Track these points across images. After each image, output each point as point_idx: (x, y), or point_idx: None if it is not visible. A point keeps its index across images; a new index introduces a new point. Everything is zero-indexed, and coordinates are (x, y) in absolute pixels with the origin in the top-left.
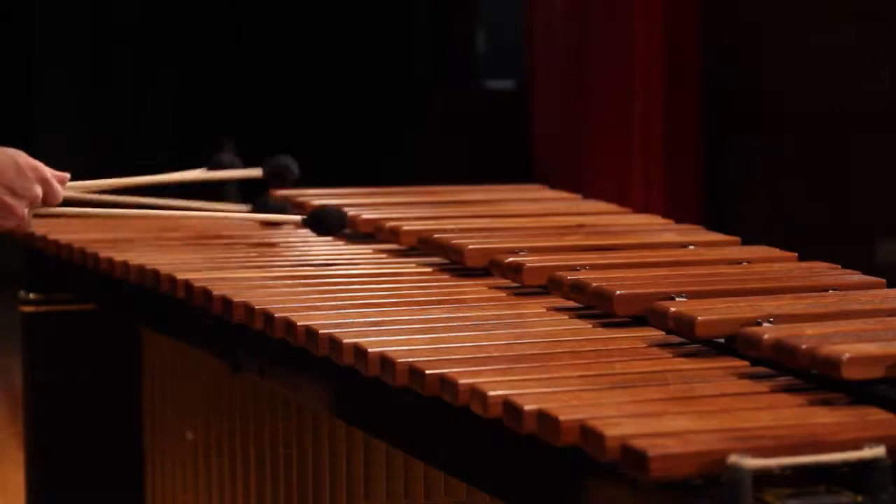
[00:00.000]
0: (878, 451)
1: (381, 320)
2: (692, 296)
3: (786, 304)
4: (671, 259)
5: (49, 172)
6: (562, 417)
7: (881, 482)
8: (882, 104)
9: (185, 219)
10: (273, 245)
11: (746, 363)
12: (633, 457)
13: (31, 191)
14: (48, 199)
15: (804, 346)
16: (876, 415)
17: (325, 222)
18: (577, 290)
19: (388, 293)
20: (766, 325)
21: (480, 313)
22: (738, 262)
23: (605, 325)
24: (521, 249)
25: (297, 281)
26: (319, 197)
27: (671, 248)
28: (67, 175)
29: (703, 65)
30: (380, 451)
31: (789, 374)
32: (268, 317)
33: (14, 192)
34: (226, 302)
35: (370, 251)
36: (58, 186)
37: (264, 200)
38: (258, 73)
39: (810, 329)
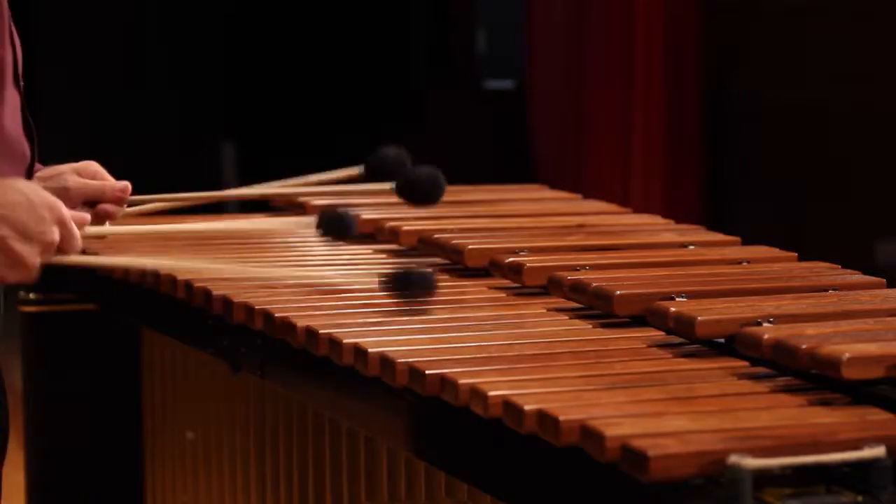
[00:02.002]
0: (878, 451)
1: (381, 320)
2: (692, 296)
3: (786, 304)
4: (671, 259)
5: (68, 213)
6: (562, 417)
7: (881, 482)
8: (882, 104)
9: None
10: (273, 245)
11: (746, 363)
12: (633, 457)
13: (47, 235)
14: (65, 247)
15: (804, 346)
16: (876, 415)
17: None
18: (577, 290)
19: (388, 293)
20: (766, 325)
21: (480, 313)
22: (738, 262)
23: (605, 326)
24: (522, 249)
25: (297, 281)
26: (320, 197)
27: (671, 248)
28: (87, 217)
29: (703, 65)
30: (381, 450)
31: (789, 374)
32: (268, 317)
33: (26, 237)
34: (226, 302)
35: (370, 251)
36: (76, 231)
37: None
38: (258, 73)
39: (810, 329)
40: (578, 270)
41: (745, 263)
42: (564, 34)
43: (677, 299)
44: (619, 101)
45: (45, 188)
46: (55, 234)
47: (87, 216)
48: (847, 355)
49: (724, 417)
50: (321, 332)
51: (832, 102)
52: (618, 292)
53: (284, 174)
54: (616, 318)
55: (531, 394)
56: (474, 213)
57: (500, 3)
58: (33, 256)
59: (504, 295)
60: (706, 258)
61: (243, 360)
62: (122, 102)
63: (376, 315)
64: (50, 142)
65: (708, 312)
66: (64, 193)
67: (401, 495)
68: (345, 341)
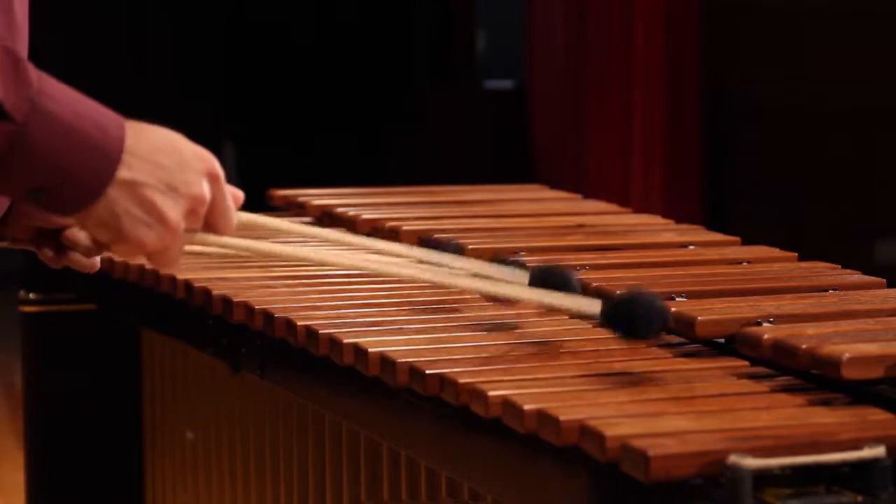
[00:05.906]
0: (878, 451)
1: (381, 320)
2: (692, 296)
3: (786, 304)
4: (671, 259)
5: (221, 169)
6: (562, 417)
7: (881, 482)
8: (882, 104)
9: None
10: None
11: (746, 363)
12: (633, 457)
13: (194, 187)
14: (216, 215)
15: (804, 346)
16: (876, 415)
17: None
18: None
19: (389, 293)
20: (766, 325)
21: (480, 313)
22: (738, 262)
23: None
24: (521, 249)
25: (297, 281)
26: (320, 197)
27: (671, 248)
28: (241, 194)
29: (703, 64)
30: (381, 451)
31: (789, 374)
32: (268, 317)
33: (169, 186)
34: (226, 302)
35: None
36: (230, 199)
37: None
38: (258, 73)
39: (810, 329)
40: (578, 270)
41: (745, 263)
42: (564, 34)
43: (677, 299)
44: (619, 101)
45: None
46: (204, 189)
47: (240, 194)
48: (847, 355)
49: (724, 417)
50: (321, 332)
51: (832, 102)
52: (618, 292)
53: (284, 174)
54: None
55: (531, 394)
56: (474, 213)
57: (500, 3)
58: (176, 212)
59: None
60: (706, 258)
61: (243, 360)
62: (121, 101)
63: (376, 315)
64: None
65: (708, 312)
66: None
67: (402, 496)
68: (345, 341)
